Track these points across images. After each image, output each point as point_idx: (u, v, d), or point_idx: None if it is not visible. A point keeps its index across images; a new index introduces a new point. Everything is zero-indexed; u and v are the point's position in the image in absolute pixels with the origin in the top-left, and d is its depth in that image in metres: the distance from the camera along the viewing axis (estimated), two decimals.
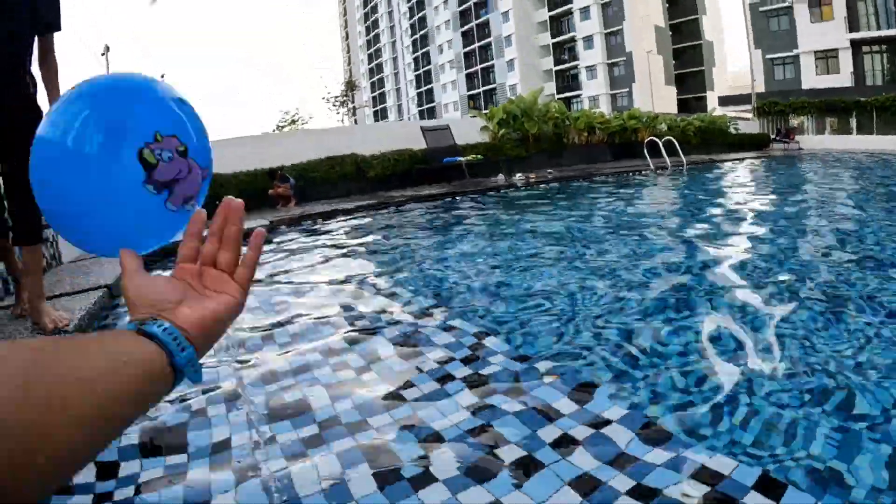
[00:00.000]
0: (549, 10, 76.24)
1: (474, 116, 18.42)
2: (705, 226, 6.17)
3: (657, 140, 15.24)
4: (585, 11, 71.22)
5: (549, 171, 13.87)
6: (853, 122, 33.70)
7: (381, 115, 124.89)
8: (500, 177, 12.11)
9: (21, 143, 2.74)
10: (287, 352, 2.69)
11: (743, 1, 43.53)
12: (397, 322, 3.04)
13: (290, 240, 6.48)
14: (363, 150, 13.42)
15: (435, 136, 13.51)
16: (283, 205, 11.35)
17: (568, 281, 3.80)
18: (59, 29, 3.01)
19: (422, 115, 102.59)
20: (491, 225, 6.61)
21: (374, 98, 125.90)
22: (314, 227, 7.42)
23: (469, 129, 16.35)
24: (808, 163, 19.51)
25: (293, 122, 72.09)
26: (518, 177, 11.62)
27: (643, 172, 13.70)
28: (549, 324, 2.90)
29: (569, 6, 73.26)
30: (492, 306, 3.29)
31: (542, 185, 11.19)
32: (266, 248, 5.93)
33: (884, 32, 37.80)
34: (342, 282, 4.08)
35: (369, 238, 6.32)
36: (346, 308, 3.36)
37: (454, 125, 14.79)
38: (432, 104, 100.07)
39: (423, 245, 5.56)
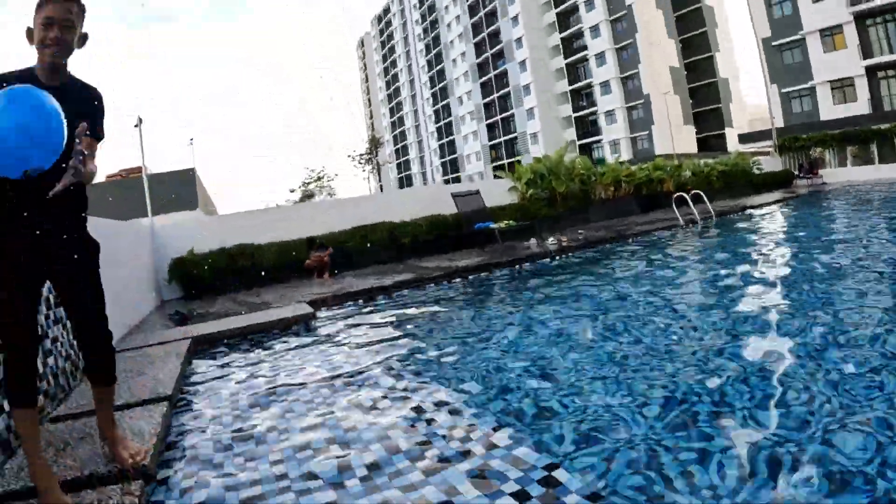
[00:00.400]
0: (566, 58, 77.27)
1: (498, 177, 18.61)
2: (754, 297, 6.10)
3: (685, 195, 15.26)
4: (601, 57, 72.12)
5: (580, 231, 13.91)
6: (874, 152, 33.71)
7: (404, 167, 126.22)
8: (533, 241, 12.15)
9: (83, 276, 2.81)
10: (359, 485, 2.73)
11: (756, 37, 43.80)
12: (465, 450, 3.04)
13: (332, 328, 6.46)
14: (393, 217, 13.62)
15: (465, 201, 13.64)
16: (318, 275, 11.49)
17: (633, 384, 3.80)
18: (103, 137, 3.03)
19: (444, 166, 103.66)
20: (536, 309, 6.49)
21: (396, 151, 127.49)
22: (355, 311, 7.39)
23: (493, 189, 16.59)
24: (837, 200, 19.47)
25: (319, 178, 73.39)
26: (550, 241, 11.63)
27: (673, 229, 13.68)
28: (620, 446, 2.90)
29: (584, 53, 74.26)
30: (556, 424, 3.29)
31: (576, 252, 11.14)
32: (308, 339, 6.00)
33: (895, 56, 38.00)
34: (402, 394, 4.05)
35: (415, 328, 6.21)
36: (410, 435, 3.35)
37: (483, 187, 14.94)
38: (454, 155, 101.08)
39: (472, 339, 5.47)
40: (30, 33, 2.75)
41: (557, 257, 10.67)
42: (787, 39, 43.91)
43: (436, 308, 7.39)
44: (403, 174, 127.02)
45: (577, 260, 10.39)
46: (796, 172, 33.39)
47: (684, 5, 77.84)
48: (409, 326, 6.34)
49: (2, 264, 2.60)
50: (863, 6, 39.07)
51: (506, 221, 12.88)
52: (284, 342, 5.96)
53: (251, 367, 5.06)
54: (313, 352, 5.40)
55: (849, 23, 39.78)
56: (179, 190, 30.00)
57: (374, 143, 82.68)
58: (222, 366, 5.19)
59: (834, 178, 32.24)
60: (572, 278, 8.36)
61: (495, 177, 19.97)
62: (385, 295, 8.32)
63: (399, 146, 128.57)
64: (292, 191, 77.41)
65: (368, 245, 12.77)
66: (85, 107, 2.83)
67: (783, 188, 29.01)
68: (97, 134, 2.93)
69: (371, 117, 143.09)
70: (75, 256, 2.82)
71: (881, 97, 39.76)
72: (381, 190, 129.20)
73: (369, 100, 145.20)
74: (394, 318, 6.80)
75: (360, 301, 8.06)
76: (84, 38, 2.87)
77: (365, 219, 13.46)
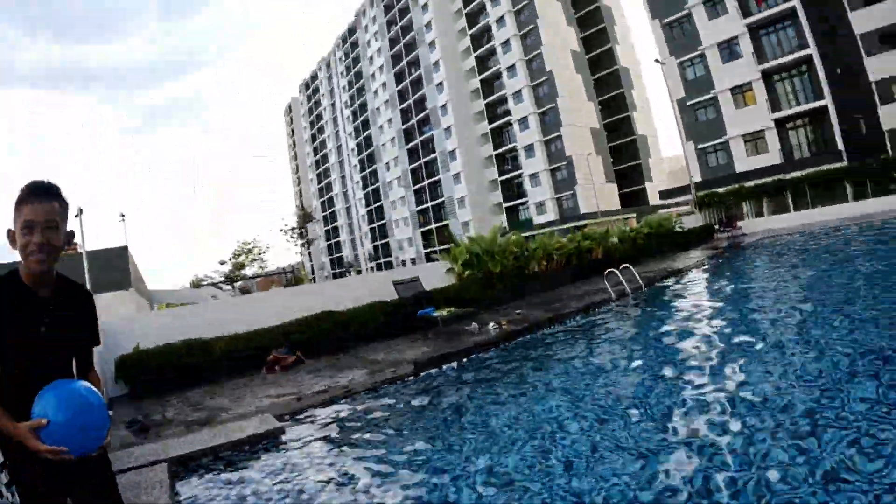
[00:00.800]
0: (490, 123, 79.38)
1: (433, 260, 19.14)
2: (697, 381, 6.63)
3: (615, 271, 16.03)
4: (524, 122, 74.30)
5: (518, 312, 14.41)
6: (789, 200, 35.90)
7: (332, 233, 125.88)
8: (474, 325, 12.54)
9: (103, 490, 2.81)
10: None
11: (671, 98, 46.22)
12: None
13: (303, 447, 6.53)
14: (338, 305, 13.91)
15: (406, 287, 14.10)
16: (269, 370, 11.55)
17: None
18: (100, 343, 2.99)
19: (373, 232, 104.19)
20: (498, 417, 6.66)
21: (324, 217, 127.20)
22: (319, 422, 7.50)
23: (431, 272, 17.11)
24: (757, 252, 20.80)
25: (250, 251, 73.35)
26: (492, 326, 12.08)
27: (606, 304, 14.34)
28: None
29: (508, 118, 76.15)
30: None
31: (518, 338, 11.53)
32: (281, 459, 6.11)
33: (803, 107, 41.93)
34: None
35: (380, 449, 6.17)
36: None
37: (421, 271, 15.45)
38: (382, 221, 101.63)
39: (432, 461, 5.62)
40: (11, 236, 2.58)
41: (501, 345, 11.07)
42: (701, 98, 46.88)
43: (389, 408, 7.67)
44: (332, 241, 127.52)
45: (520, 350, 10.70)
46: (716, 226, 35.15)
47: (602, 68, 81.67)
48: (367, 440, 6.48)
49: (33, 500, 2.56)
50: (770, 63, 42.81)
51: (447, 309, 13.32)
52: (259, 462, 6.08)
53: (239, 499, 5.16)
54: (295, 478, 5.50)
55: (757, 80, 43.28)
56: (112, 268, 29.65)
57: (305, 218, 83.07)
58: (210, 498, 5.30)
59: (753, 228, 34.36)
60: (520, 378, 8.56)
61: (427, 254, 20.50)
62: (342, 399, 8.43)
63: (327, 212, 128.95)
64: (222, 262, 77.05)
65: (316, 335, 12.89)
66: (77, 314, 2.81)
67: (705, 243, 30.47)
68: (96, 341, 2.96)
69: (299, 184, 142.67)
70: (96, 475, 2.79)
71: (791, 147, 42.93)
72: (311, 260, 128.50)
73: (297, 166, 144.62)
74: (350, 431, 6.96)
75: (319, 407, 8.14)
76: (70, 237, 2.70)
77: (311, 308, 13.64)
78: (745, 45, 44.14)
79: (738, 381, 6.46)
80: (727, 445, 4.78)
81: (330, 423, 7.41)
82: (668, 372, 7.46)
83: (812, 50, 41.03)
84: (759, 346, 7.95)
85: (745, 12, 44.34)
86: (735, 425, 5.16)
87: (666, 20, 49.58)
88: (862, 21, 39.56)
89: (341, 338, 13.16)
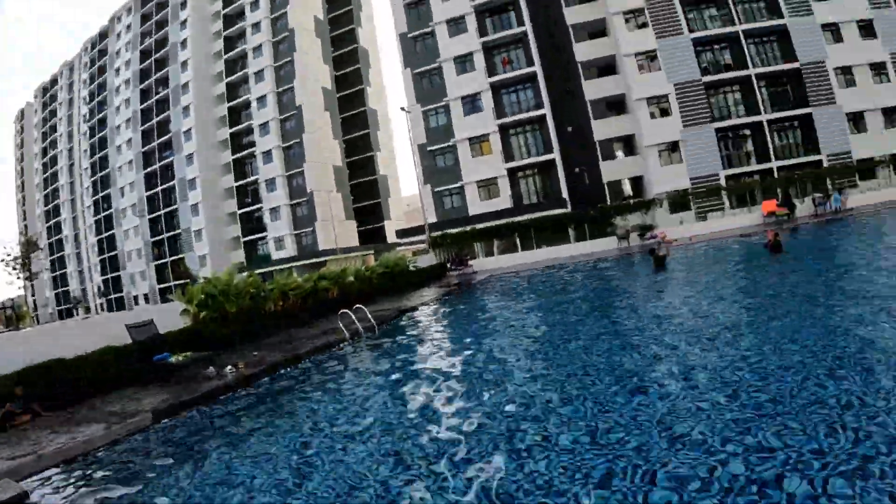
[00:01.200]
0: (234, 153, 78.24)
1: (169, 297, 19.10)
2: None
3: (349, 312, 17.20)
4: (268, 154, 74.45)
5: (254, 353, 15.00)
6: (517, 241, 40.11)
7: (58, 264, 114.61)
8: (211, 369, 12.94)
9: None
10: None
11: (412, 144, 49.12)
12: None
13: None
14: (67, 352, 13.17)
15: (140, 331, 14.04)
16: None
17: None
18: None
19: (103, 264, 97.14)
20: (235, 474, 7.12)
21: (50, 245, 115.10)
22: (61, 483, 7.51)
23: (166, 313, 17.12)
24: (485, 288, 23.21)
25: None
26: (229, 369, 12.59)
27: (340, 345, 15.50)
28: None
29: (252, 149, 75.65)
30: None
31: (256, 381, 12.22)
32: None
33: (532, 160, 48.38)
34: None
35: None
36: None
37: (156, 313, 15.50)
38: (114, 252, 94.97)
39: None
40: None
41: (240, 389, 11.70)
42: (442, 145, 50.69)
43: (136, 475, 7.64)
44: (58, 272, 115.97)
45: (256, 393, 11.37)
46: (449, 265, 38.00)
47: (352, 108, 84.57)
48: None
49: None
50: (507, 119, 49.08)
51: (183, 354, 13.58)
52: None
53: None
54: None
55: (495, 132, 49.29)
56: None
57: (30, 247, 76.43)
58: None
59: (483, 267, 38.14)
60: (258, 425, 9.11)
61: (161, 290, 20.38)
62: (81, 457, 8.43)
63: (54, 239, 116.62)
64: None
65: (48, 386, 12.00)
66: None
67: (438, 281, 32.94)
68: None
69: (24, 204, 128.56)
70: None
71: (520, 193, 49.01)
72: (34, 293, 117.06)
73: (23, 183, 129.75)
74: (102, 495, 6.95)
75: (60, 466, 8.13)
76: None
77: (42, 354, 13.04)
78: (487, 101, 49.96)
79: (461, 417, 7.79)
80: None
81: (72, 485, 7.44)
82: (392, 413, 8.61)
83: (546, 110, 48.54)
84: (481, 377, 9.55)
85: (491, 71, 50.48)
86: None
87: (417, 70, 53.43)
88: (593, 90, 48.90)
89: (75, 387, 12.46)
